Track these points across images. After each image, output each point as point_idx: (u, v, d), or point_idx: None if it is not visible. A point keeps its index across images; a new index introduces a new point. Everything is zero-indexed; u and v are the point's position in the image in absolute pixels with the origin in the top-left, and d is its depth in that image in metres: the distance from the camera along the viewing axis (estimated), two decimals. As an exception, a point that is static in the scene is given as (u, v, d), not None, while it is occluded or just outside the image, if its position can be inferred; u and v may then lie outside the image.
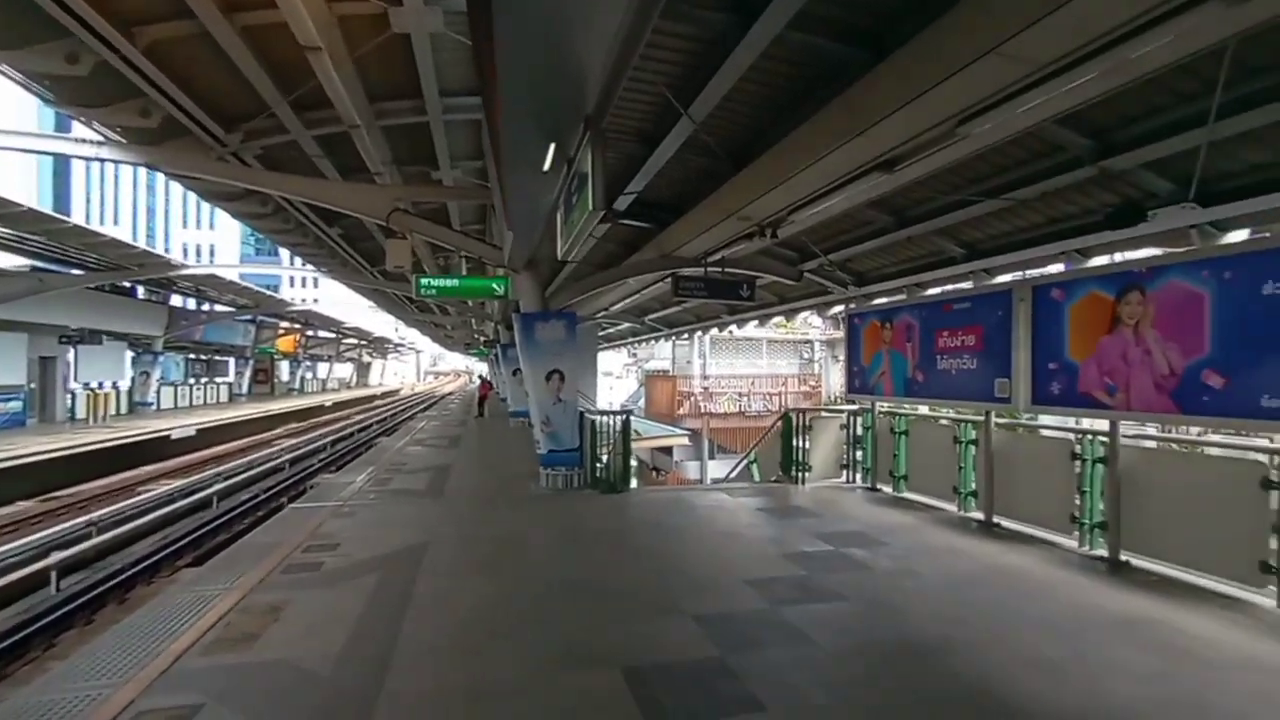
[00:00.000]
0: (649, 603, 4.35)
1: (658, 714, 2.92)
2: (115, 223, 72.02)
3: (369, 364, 66.55)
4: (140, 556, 9.74)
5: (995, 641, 3.73)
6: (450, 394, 53.80)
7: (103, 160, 7.30)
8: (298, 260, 14.78)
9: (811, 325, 30.22)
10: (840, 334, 9.10)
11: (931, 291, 8.22)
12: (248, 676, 3.36)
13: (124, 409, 23.47)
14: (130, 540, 10.69)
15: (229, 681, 3.30)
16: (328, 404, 38.03)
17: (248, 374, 35.87)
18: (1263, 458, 4.37)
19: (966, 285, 7.23)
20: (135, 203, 77.20)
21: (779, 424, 9.43)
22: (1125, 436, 5.20)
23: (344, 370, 58.53)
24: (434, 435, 16.77)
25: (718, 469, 18.69)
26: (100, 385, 22.64)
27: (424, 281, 7.69)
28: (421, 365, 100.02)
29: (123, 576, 8.91)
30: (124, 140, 7.07)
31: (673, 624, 3.96)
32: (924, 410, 8.55)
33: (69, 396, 21.52)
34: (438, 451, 13.20)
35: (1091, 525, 5.46)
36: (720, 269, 8.21)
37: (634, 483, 11.46)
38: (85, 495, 13.88)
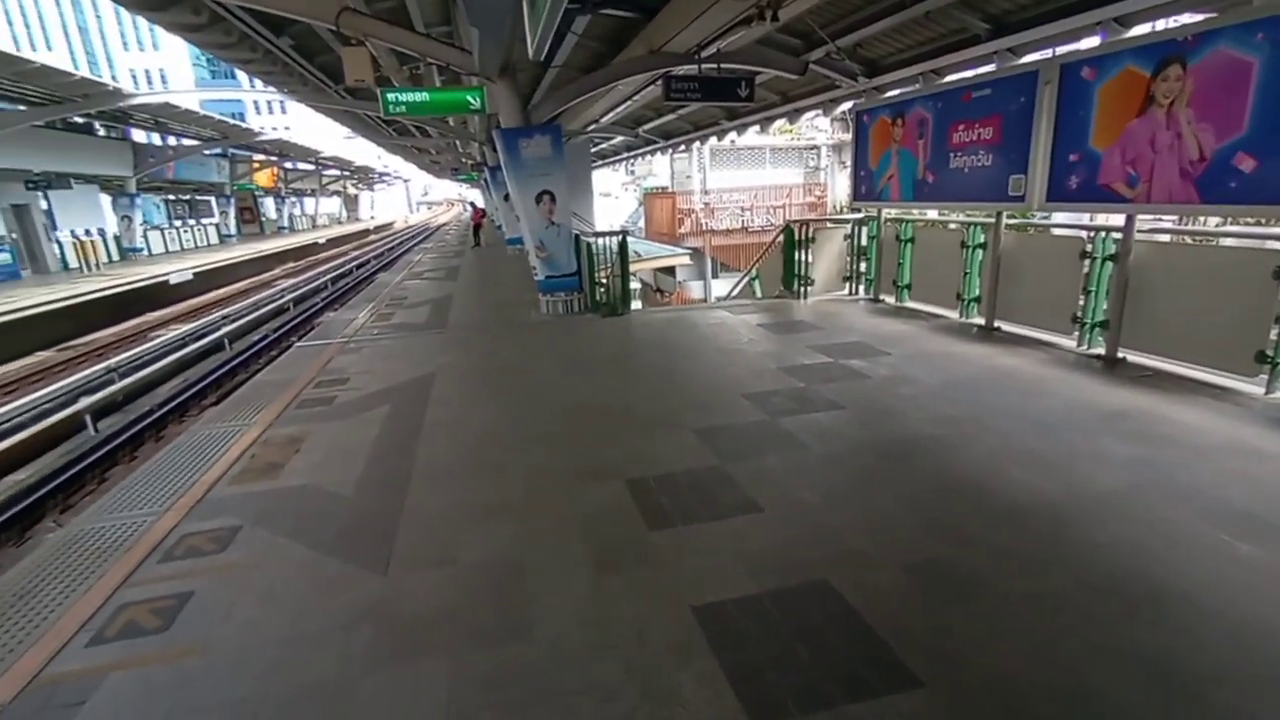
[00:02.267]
0: (651, 420, 4.50)
1: (660, 519, 3.12)
2: (49, 48, 65.05)
3: (356, 196, 64.04)
4: (165, 399, 10.17)
5: (984, 438, 3.88)
6: (445, 225, 52.51)
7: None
8: (258, 83, 13.38)
9: (818, 129, 28.23)
10: (848, 136, 8.43)
11: (950, 78, 7.44)
12: (278, 500, 3.58)
13: (115, 256, 23.11)
14: (153, 384, 11.13)
15: (262, 505, 3.52)
16: (321, 241, 37.40)
17: (231, 213, 34.73)
18: (1281, 246, 4.20)
19: (989, 69, 6.48)
20: (64, 22, 68.84)
21: (780, 238, 9.16)
22: (1139, 232, 4.99)
23: (332, 205, 56.46)
24: (432, 268, 16.59)
25: (721, 288, 18.67)
26: (87, 233, 22.04)
27: (390, 97, 6.96)
28: (412, 196, 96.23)
29: (154, 417, 9.37)
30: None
31: (674, 438, 4.12)
32: (932, 215, 8.22)
33: (57, 246, 21.11)
34: (437, 284, 13.13)
35: (1092, 325, 5.46)
36: (715, 65, 7.39)
37: (636, 304, 11.51)
38: (100, 344, 14.15)
